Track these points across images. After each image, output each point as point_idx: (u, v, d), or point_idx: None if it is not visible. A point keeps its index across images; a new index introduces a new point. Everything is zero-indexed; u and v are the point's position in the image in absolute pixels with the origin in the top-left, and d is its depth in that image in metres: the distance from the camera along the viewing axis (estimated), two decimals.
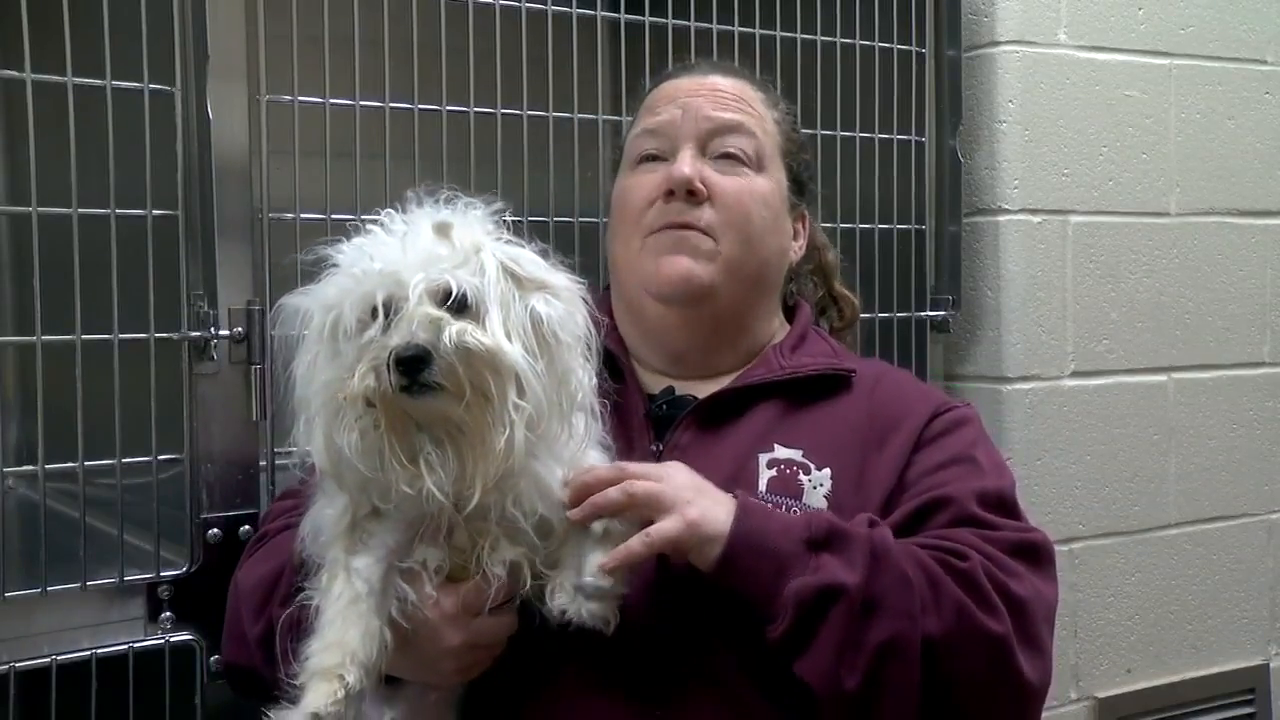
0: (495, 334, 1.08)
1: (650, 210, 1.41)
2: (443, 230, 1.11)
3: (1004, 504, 1.34)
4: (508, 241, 1.16)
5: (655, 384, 1.43)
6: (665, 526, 1.15)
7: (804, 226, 1.54)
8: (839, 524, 1.22)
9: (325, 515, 1.17)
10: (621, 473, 1.19)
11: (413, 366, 1.04)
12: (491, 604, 1.16)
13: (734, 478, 1.30)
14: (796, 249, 1.53)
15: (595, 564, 1.15)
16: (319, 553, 1.17)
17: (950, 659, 1.18)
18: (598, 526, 1.16)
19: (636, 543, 1.15)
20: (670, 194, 1.40)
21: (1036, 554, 1.30)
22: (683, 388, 1.42)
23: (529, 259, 1.16)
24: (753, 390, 1.39)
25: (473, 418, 1.08)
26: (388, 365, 1.04)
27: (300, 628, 1.17)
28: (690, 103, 1.44)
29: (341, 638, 1.11)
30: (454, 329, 1.05)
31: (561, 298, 1.15)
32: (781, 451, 1.34)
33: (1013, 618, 1.22)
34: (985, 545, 1.25)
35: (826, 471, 1.33)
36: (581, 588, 1.15)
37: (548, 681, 1.24)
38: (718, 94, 1.46)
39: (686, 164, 1.40)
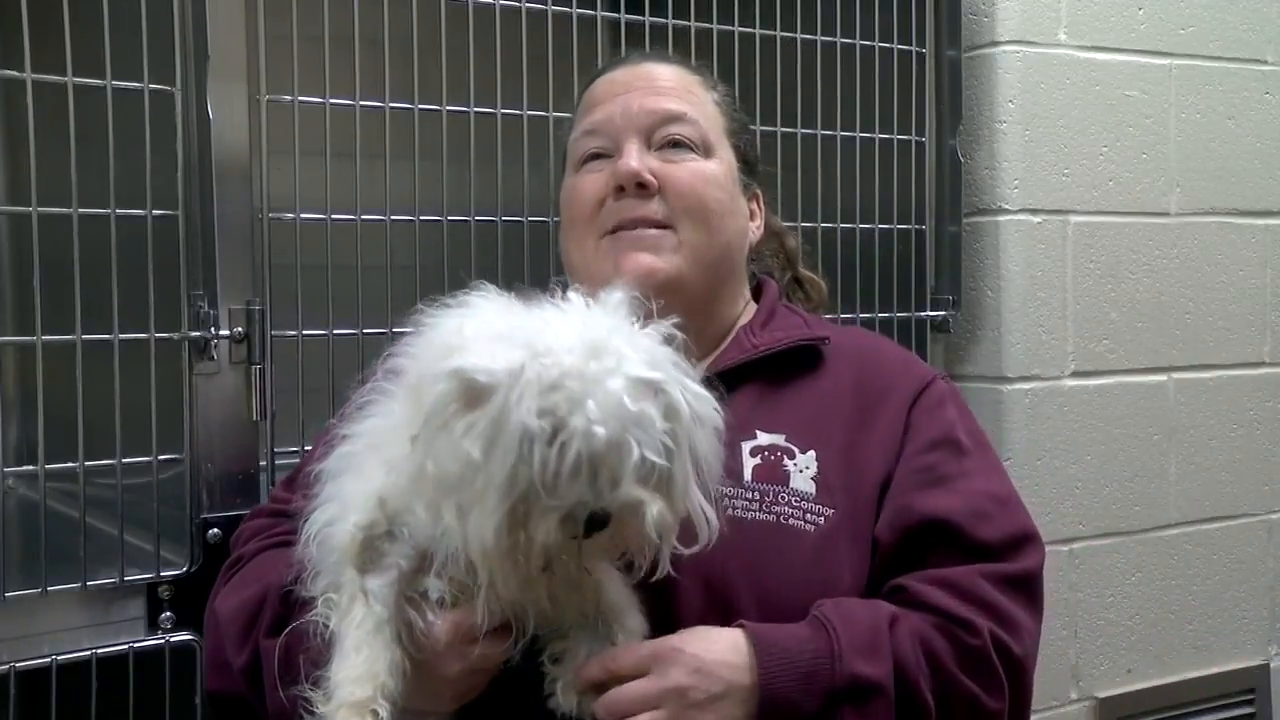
0: (688, 495, 1.08)
1: (602, 209, 1.39)
2: (649, 386, 1.05)
3: (998, 500, 1.33)
4: (688, 375, 1.10)
5: None
6: None
7: (759, 206, 1.51)
8: (861, 674, 1.19)
9: (335, 531, 1.14)
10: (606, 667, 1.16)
11: (598, 528, 1.04)
12: (488, 628, 1.12)
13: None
14: (755, 229, 1.50)
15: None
16: (326, 566, 1.14)
17: None
18: (624, 642, 1.15)
19: None
20: (620, 190, 1.37)
21: (1031, 587, 1.30)
22: None
23: (706, 399, 1.10)
24: (727, 375, 1.35)
25: (617, 551, 1.10)
26: (580, 526, 1.03)
27: (303, 645, 1.14)
28: (628, 98, 1.41)
29: (371, 668, 1.09)
30: (654, 513, 1.04)
31: (713, 436, 1.12)
32: (764, 438, 1.33)
33: (1011, 685, 1.25)
34: (990, 592, 1.26)
35: (811, 454, 1.32)
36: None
37: (540, 704, 1.19)
38: (654, 84, 1.42)
39: (633, 158, 1.37)
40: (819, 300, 1.63)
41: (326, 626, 1.12)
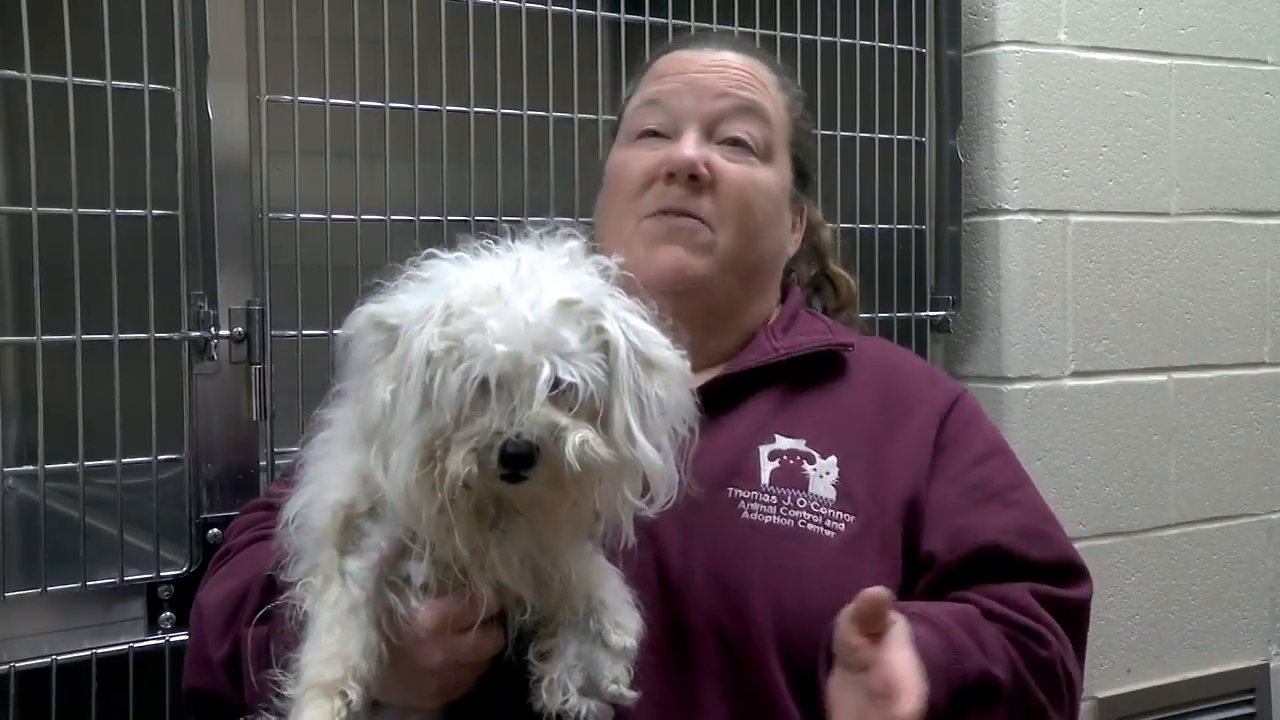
0: (630, 436, 1.01)
1: (648, 191, 1.32)
2: (567, 307, 1.00)
3: (1048, 520, 1.34)
4: (628, 310, 1.05)
5: None
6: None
7: (802, 219, 1.46)
8: (993, 674, 1.15)
9: (314, 511, 1.09)
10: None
11: (519, 463, 0.97)
12: (475, 618, 1.07)
13: (733, 470, 1.26)
14: (795, 241, 1.44)
15: (615, 673, 1.07)
16: (305, 548, 1.09)
17: None
18: (616, 640, 1.08)
19: None
20: (671, 176, 1.30)
21: (1079, 618, 1.29)
22: None
23: (653, 337, 1.05)
24: (747, 377, 1.33)
25: (563, 500, 1.02)
26: (494, 457, 0.97)
27: (279, 631, 1.09)
28: (700, 79, 1.34)
29: (342, 649, 1.03)
30: (576, 440, 0.97)
31: (674, 380, 1.05)
32: (783, 442, 1.29)
33: (1070, 704, 1.23)
34: (1044, 613, 1.24)
35: (832, 460, 1.28)
36: (599, 693, 1.07)
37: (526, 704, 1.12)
38: (730, 71, 1.35)
39: (691, 146, 1.30)
40: (846, 296, 1.57)
41: (302, 609, 1.06)
